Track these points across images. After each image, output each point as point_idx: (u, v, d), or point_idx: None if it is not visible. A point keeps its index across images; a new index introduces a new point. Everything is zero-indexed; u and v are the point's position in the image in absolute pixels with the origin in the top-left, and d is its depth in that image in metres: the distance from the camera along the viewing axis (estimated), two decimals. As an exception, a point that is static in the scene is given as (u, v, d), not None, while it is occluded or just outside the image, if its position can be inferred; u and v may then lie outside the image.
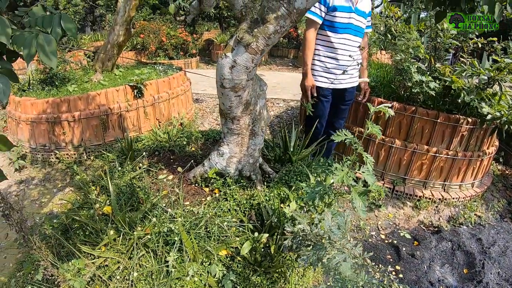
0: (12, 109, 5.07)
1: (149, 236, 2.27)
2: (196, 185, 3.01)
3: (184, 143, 3.79)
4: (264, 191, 2.88)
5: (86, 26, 13.95)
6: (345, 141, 1.85)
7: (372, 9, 4.49)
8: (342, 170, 1.79)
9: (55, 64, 1.42)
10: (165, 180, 3.13)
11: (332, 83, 3.66)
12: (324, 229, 1.66)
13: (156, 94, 5.36)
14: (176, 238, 2.20)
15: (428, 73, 4.36)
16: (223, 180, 2.91)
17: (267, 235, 2.31)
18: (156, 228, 2.33)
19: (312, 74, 3.67)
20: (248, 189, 2.90)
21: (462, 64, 4.35)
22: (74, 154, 4.85)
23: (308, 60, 3.57)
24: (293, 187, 2.86)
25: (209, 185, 2.95)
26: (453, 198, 4.32)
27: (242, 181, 2.92)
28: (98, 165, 4.64)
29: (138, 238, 2.29)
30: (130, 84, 5.01)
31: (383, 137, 4.32)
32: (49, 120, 4.67)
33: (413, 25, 4.53)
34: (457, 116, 4.07)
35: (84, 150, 4.86)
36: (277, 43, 14.20)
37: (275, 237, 2.31)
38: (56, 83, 5.25)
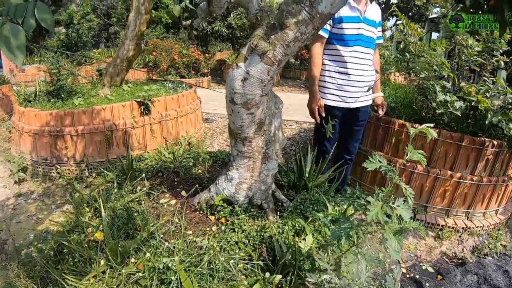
0: (16, 119, 4.99)
1: (140, 274, 1.96)
2: (201, 212, 2.71)
3: (191, 164, 3.52)
4: (277, 221, 2.57)
5: (100, 42, 13.98)
6: (381, 170, 1.55)
7: (383, 19, 4.25)
8: (377, 205, 1.49)
9: (21, 62, 1.17)
10: (166, 205, 2.84)
11: (344, 101, 3.36)
12: (352, 277, 1.35)
13: (164, 111, 5.13)
14: (173, 278, 1.89)
15: (453, 91, 4.12)
16: (231, 208, 2.59)
17: (280, 276, 1.98)
18: (150, 262, 2.03)
19: (322, 92, 3.40)
20: (259, 219, 2.58)
21: (486, 83, 4.15)
22: (76, 170, 4.66)
23: (314, 78, 3.31)
24: (310, 219, 2.54)
25: (215, 213, 2.64)
26: (477, 227, 4.02)
27: (252, 210, 2.60)
28: (99, 183, 4.40)
29: (128, 275, 1.99)
30: (137, 100, 4.78)
31: (405, 161, 4.01)
32: (51, 133, 4.53)
33: (433, 42, 4.28)
34: (483, 138, 3.80)
35: (86, 166, 4.66)
36: (289, 65, 14.08)
37: (289, 277, 1.99)
38: (63, 95, 5.14)
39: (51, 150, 4.64)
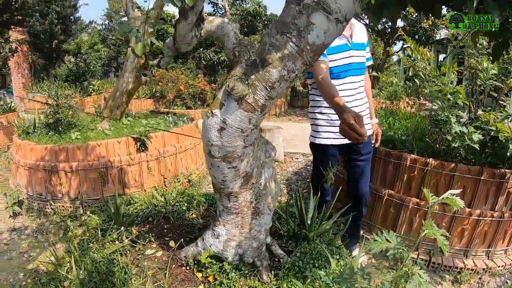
0: (13, 151, 4.99)
1: None
2: (188, 268, 2.41)
3: (184, 208, 3.25)
4: (270, 282, 2.26)
5: (110, 72, 14.06)
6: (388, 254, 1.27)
7: (389, 44, 3.90)
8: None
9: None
10: (152, 256, 2.58)
11: (339, 137, 3.01)
12: None
13: (162, 147, 4.92)
14: None
15: (469, 121, 3.83)
16: (220, 265, 2.30)
17: None
18: None
19: (315, 131, 3.12)
20: (252, 277, 2.28)
21: (505, 109, 3.88)
22: (70, 207, 4.52)
23: (331, 96, 2.47)
24: (309, 278, 2.23)
25: (203, 270, 2.34)
26: (499, 266, 3.67)
27: (243, 268, 2.31)
28: (93, 222, 4.21)
29: None
30: (133, 136, 4.58)
31: (418, 200, 3.70)
32: (46, 168, 4.45)
33: (443, 65, 4.01)
34: (503, 170, 3.50)
35: (80, 203, 4.51)
36: (296, 93, 13.89)
37: None
38: (60, 128, 5.05)
39: (46, 185, 4.55)
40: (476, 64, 3.97)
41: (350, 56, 2.90)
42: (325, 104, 2.97)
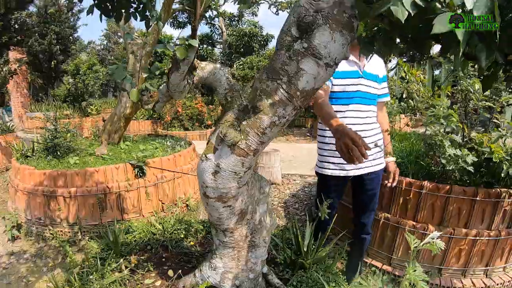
0: (12, 175, 5.00)
1: None
2: (186, 299, 2.45)
3: (182, 236, 3.28)
4: (267, 313, 2.29)
5: (108, 91, 14.16)
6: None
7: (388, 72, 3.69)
8: None
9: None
10: (151, 286, 2.61)
11: (342, 169, 2.89)
12: None
13: (160, 173, 4.95)
14: None
15: (463, 143, 3.88)
16: (218, 296, 2.34)
17: None
18: None
19: (319, 160, 2.99)
20: (249, 309, 2.32)
21: (499, 129, 3.93)
22: (69, 232, 4.52)
23: (328, 114, 2.52)
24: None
25: (201, 301, 2.39)
26: (497, 284, 3.69)
27: (240, 299, 2.34)
28: (92, 247, 4.23)
29: None
30: (131, 162, 4.62)
31: (414, 223, 3.73)
32: (45, 193, 4.47)
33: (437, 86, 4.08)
34: (498, 190, 3.54)
35: (79, 229, 4.51)
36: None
37: None
38: (59, 153, 5.09)
39: (45, 210, 4.55)
40: (468, 86, 4.05)
41: (359, 84, 2.83)
42: (328, 133, 2.89)
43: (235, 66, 12.16)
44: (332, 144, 2.86)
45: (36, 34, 15.31)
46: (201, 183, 1.72)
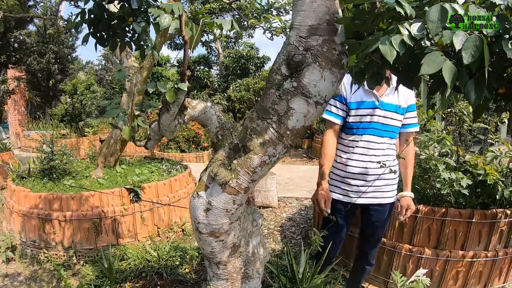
0: (7, 196, 4.98)
1: None
2: (180, 331, 2.43)
3: (177, 263, 3.26)
4: None
5: (106, 110, 14.21)
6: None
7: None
8: None
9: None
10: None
11: (346, 195, 2.89)
12: None
13: (155, 198, 4.93)
14: None
15: (458, 166, 3.90)
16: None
17: None
18: None
19: (329, 184, 2.96)
20: None
21: (493, 149, 3.96)
22: (64, 255, 4.46)
23: (322, 169, 2.81)
24: None
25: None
26: None
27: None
28: (87, 273, 4.19)
29: None
30: (126, 187, 4.61)
31: (410, 247, 3.72)
32: (40, 216, 4.45)
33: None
34: (494, 210, 3.55)
35: (74, 253, 4.45)
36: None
37: None
38: (54, 175, 5.08)
39: (39, 233, 4.52)
40: (462, 109, 4.09)
41: (373, 115, 2.78)
42: (339, 159, 2.93)
43: (231, 87, 12.24)
44: (340, 170, 2.94)
45: (35, 53, 15.41)
46: (193, 219, 1.72)
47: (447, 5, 1.28)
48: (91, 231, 4.47)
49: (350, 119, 2.80)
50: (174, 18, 1.47)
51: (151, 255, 3.41)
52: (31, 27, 15.38)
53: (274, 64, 1.54)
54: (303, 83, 1.47)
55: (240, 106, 12.25)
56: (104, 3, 2.59)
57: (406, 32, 1.34)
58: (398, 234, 3.80)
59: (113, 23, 2.73)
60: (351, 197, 2.89)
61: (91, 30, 2.80)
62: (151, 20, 2.66)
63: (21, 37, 15.04)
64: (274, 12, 5.08)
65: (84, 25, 2.75)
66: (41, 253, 4.54)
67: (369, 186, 2.83)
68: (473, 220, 3.52)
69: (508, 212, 3.55)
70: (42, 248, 4.53)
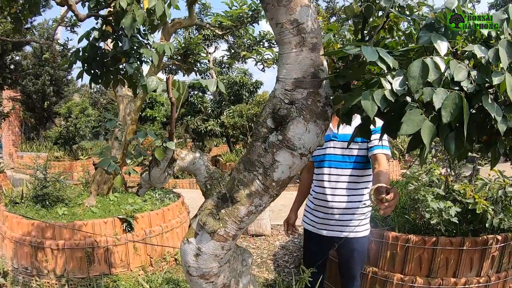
0: (0, 221, 4.99)
1: None
2: None
3: (169, 296, 3.27)
4: None
5: (100, 134, 14.23)
6: None
7: None
8: None
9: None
10: None
11: (314, 226, 2.95)
12: None
13: (148, 227, 4.94)
14: None
15: (447, 195, 3.95)
16: None
17: None
18: None
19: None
20: None
21: (483, 177, 4.02)
22: (56, 284, 4.45)
23: (295, 200, 3.29)
24: None
25: None
26: None
27: None
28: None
29: None
30: (119, 217, 4.63)
31: (402, 276, 3.74)
32: (32, 243, 4.46)
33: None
34: (485, 237, 3.60)
35: (66, 281, 4.44)
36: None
37: None
38: (47, 202, 5.08)
39: (32, 260, 4.51)
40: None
41: (329, 147, 2.83)
42: (312, 191, 3.01)
43: (225, 113, 12.32)
44: (309, 200, 3.04)
45: (31, 75, 15.45)
46: (184, 263, 1.76)
47: (428, 60, 1.31)
48: (83, 260, 4.46)
49: (314, 153, 2.73)
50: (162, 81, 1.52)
51: (143, 287, 3.40)
52: (28, 48, 15.49)
53: (260, 117, 1.60)
54: (288, 136, 1.52)
55: (234, 132, 12.27)
56: (97, 44, 2.66)
57: (388, 86, 1.37)
58: (390, 263, 3.82)
59: (106, 60, 2.81)
60: (318, 228, 2.93)
61: (85, 67, 2.87)
62: (144, 59, 2.74)
63: (18, 58, 15.13)
64: (266, 44, 5.20)
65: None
66: (33, 281, 4.52)
67: (331, 219, 2.84)
68: (464, 248, 3.55)
69: (499, 237, 3.60)
70: (34, 275, 4.51)
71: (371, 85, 1.45)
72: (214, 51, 12.04)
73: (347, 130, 2.81)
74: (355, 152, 2.81)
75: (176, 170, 1.69)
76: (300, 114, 1.53)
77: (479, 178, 4.17)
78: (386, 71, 1.39)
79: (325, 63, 1.65)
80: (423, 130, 1.26)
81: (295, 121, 1.52)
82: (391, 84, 1.38)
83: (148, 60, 2.66)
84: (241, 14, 4.67)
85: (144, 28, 2.59)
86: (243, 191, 1.59)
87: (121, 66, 2.77)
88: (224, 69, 15.49)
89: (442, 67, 1.32)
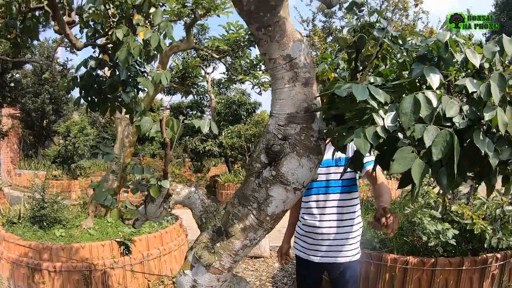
0: None
1: None
2: None
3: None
4: None
5: (99, 153, 14.26)
6: None
7: None
8: None
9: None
10: None
11: (304, 252, 2.90)
12: None
13: (146, 250, 4.91)
14: None
15: (444, 216, 3.94)
16: None
17: None
18: None
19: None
20: None
21: (481, 197, 4.02)
22: (53, 306, 4.38)
23: (286, 228, 3.19)
24: None
25: None
26: None
27: None
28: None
29: None
30: (117, 239, 4.62)
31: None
32: (29, 265, 4.42)
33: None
34: (484, 256, 3.62)
35: (63, 304, 4.38)
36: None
37: None
38: (45, 223, 5.07)
39: (28, 282, 4.47)
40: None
41: (328, 174, 2.79)
42: (302, 215, 2.94)
43: (223, 134, 12.33)
44: (299, 226, 2.97)
45: (30, 93, 15.50)
46: (182, 294, 1.76)
47: (420, 96, 1.32)
48: (80, 283, 4.42)
49: None
50: (155, 117, 1.54)
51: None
52: (28, 66, 15.56)
53: (254, 152, 1.62)
54: (281, 172, 1.54)
55: (232, 152, 12.24)
56: (94, 73, 2.69)
57: (380, 122, 1.38)
58: (389, 285, 3.82)
59: (103, 88, 2.83)
60: (308, 254, 2.88)
61: (83, 94, 2.89)
62: (141, 87, 2.77)
63: (17, 75, 15.21)
64: (263, 67, 5.24)
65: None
66: (30, 302, 4.45)
67: (321, 245, 2.80)
68: (464, 268, 3.56)
69: (499, 255, 3.61)
70: (31, 297, 4.44)
71: (364, 121, 1.47)
72: (213, 71, 12.11)
73: (328, 155, 2.75)
74: (348, 175, 2.79)
75: (171, 205, 1.70)
76: (293, 150, 1.55)
77: (477, 198, 4.17)
78: (377, 108, 1.40)
79: (318, 98, 1.67)
80: (414, 169, 1.27)
81: (289, 157, 1.54)
82: (383, 119, 1.39)
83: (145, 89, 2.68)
84: (238, 38, 4.73)
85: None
86: (238, 225, 1.61)
87: (118, 93, 2.79)
88: (222, 89, 15.57)
89: (434, 102, 1.33)
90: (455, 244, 3.61)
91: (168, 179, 1.60)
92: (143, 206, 1.68)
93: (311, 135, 1.59)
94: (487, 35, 17.15)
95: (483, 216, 3.88)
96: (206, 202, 1.70)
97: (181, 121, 1.60)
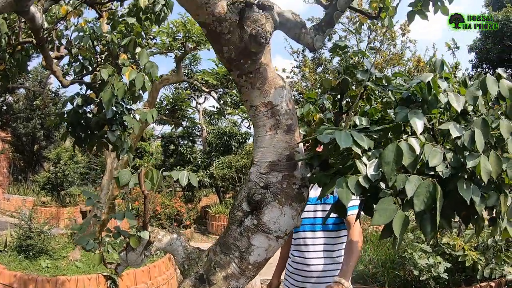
0: None
1: None
2: None
3: None
4: None
5: (89, 181, 14.13)
6: None
7: None
8: None
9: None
10: None
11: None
12: None
13: (133, 285, 4.83)
14: None
15: (436, 249, 3.91)
16: None
17: None
18: None
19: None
20: None
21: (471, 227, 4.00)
22: (38, 339, 4.27)
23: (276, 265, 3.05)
24: None
25: None
26: None
27: None
28: None
29: None
30: (103, 274, 4.53)
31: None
32: None
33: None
34: (478, 285, 3.66)
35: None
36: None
37: None
38: (31, 253, 4.97)
39: (12, 313, 4.36)
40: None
41: (316, 211, 2.75)
42: (292, 252, 2.91)
43: (214, 164, 12.27)
44: (288, 264, 2.92)
45: (22, 118, 15.42)
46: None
47: (403, 145, 1.29)
48: (66, 318, 4.33)
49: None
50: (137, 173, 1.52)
51: None
52: (21, 90, 15.52)
53: (235, 201, 1.60)
54: (263, 221, 1.52)
55: (223, 183, 12.15)
56: (80, 110, 2.68)
57: (363, 170, 1.36)
58: (381, 321, 3.75)
59: (90, 124, 2.82)
60: None
61: (69, 130, 2.88)
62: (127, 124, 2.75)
63: (10, 99, 15.15)
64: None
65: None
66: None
67: (310, 282, 2.74)
68: (457, 300, 3.53)
69: (493, 284, 3.61)
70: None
71: (347, 167, 1.45)
72: (204, 101, 12.13)
73: (313, 193, 2.61)
74: (323, 214, 2.74)
75: (153, 251, 1.67)
76: (274, 199, 1.53)
77: (469, 228, 4.15)
78: (361, 154, 1.38)
79: (301, 144, 1.66)
80: (395, 221, 1.24)
81: (270, 206, 1.52)
82: (366, 165, 1.37)
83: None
84: (227, 72, 4.74)
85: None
86: (220, 273, 1.57)
87: (104, 131, 2.78)
88: (213, 120, 15.53)
89: (417, 150, 1.30)
90: (447, 277, 3.58)
91: (148, 229, 1.57)
92: (124, 253, 1.64)
93: (294, 182, 1.58)
94: (473, 61, 17.43)
95: (475, 245, 3.85)
96: (188, 248, 1.67)
97: (160, 171, 1.58)
